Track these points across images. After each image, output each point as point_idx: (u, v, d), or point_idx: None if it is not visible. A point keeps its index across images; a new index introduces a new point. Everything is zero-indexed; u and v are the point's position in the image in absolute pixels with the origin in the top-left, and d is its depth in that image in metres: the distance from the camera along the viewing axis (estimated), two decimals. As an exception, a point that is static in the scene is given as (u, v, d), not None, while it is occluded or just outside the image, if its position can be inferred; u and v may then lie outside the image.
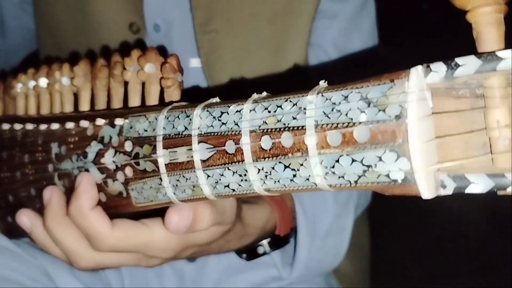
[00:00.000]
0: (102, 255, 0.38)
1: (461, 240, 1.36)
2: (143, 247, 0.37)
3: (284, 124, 0.27)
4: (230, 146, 0.29)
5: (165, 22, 0.61)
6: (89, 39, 0.61)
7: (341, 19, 0.62)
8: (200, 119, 0.31)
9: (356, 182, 0.25)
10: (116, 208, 0.37)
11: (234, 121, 0.29)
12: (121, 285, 0.59)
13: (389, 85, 0.24)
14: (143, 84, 0.39)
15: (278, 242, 0.53)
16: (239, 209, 0.41)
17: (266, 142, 0.28)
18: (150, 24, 0.61)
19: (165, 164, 0.32)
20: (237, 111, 0.29)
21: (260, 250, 0.52)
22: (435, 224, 1.40)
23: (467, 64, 0.22)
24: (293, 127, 0.27)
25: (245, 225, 0.45)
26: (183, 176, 0.32)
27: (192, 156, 0.31)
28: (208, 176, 0.31)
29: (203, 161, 0.30)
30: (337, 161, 0.25)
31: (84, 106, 0.42)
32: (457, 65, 0.23)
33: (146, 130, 0.33)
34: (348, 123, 0.25)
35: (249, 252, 0.53)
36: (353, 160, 0.25)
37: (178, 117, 0.32)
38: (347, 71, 0.62)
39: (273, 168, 0.28)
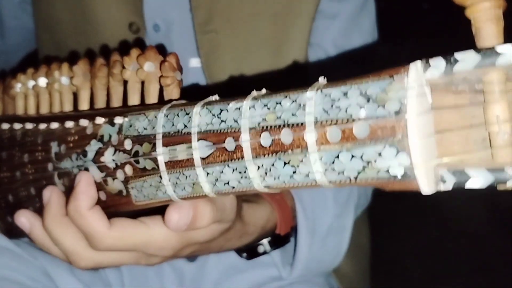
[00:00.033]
0: (101, 254, 0.38)
1: (461, 240, 1.36)
2: (142, 245, 0.37)
3: (284, 120, 0.27)
4: (229, 144, 0.29)
5: (165, 22, 0.61)
6: (89, 39, 0.61)
7: (341, 19, 0.62)
8: (199, 117, 0.31)
9: (356, 178, 0.25)
10: (116, 206, 0.37)
11: (234, 119, 0.29)
12: (121, 285, 0.59)
13: (389, 80, 0.24)
14: (143, 83, 0.39)
15: (278, 241, 0.53)
16: (239, 207, 0.41)
17: (265, 139, 0.28)
18: (149, 24, 0.61)
19: (165, 162, 0.32)
20: (236, 109, 0.29)
21: (261, 249, 0.52)
22: (435, 224, 1.40)
23: (466, 59, 0.22)
24: (293, 124, 0.27)
25: (246, 224, 0.45)
26: (183, 174, 0.32)
27: (191, 154, 0.31)
28: (208, 173, 0.31)
29: (202, 159, 0.30)
30: (337, 157, 0.25)
31: (84, 106, 0.42)
32: (456, 60, 0.23)
33: (145, 128, 0.33)
34: (348, 119, 0.25)
35: (250, 251, 0.53)
36: (353, 156, 0.25)
37: (177, 115, 0.32)
38: (347, 70, 0.63)
39: (272, 165, 0.28)
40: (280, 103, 0.27)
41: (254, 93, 0.29)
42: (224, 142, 0.29)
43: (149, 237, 0.37)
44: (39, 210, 0.40)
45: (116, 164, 0.35)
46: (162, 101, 0.38)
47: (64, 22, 0.62)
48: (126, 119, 0.35)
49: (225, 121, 0.29)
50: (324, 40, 0.62)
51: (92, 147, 0.37)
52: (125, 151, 0.35)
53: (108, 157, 0.36)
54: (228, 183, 0.30)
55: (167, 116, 0.32)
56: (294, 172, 0.27)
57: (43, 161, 0.41)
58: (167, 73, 0.37)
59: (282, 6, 0.60)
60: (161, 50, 0.39)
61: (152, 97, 0.39)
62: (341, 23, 0.63)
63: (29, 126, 0.43)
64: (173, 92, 0.38)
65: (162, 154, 0.32)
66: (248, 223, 0.46)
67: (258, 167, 0.28)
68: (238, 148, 0.29)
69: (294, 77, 0.61)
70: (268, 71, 0.61)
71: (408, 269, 1.30)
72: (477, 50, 0.22)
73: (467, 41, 0.24)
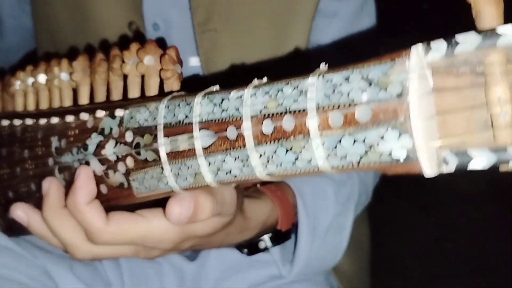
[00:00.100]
0: (99, 247, 0.38)
1: (461, 240, 1.36)
2: (140, 239, 0.37)
3: (285, 107, 0.27)
4: (231, 132, 0.29)
5: (164, 21, 0.61)
6: (88, 38, 0.61)
7: (340, 18, 0.63)
8: (200, 107, 0.31)
9: (358, 162, 0.25)
10: (117, 199, 0.36)
11: (235, 107, 0.29)
12: (121, 284, 0.58)
13: (390, 64, 0.24)
14: (143, 77, 0.39)
15: (279, 237, 0.52)
16: (240, 201, 0.41)
17: (267, 127, 0.28)
18: (149, 23, 0.61)
19: (167, 153, 0.32)
20: (238, 97, 0.29)
21: (262, 245, 0.52)
22: (435, 224, 1.40)
23: (467, 40, 0.22)
24: (295, 110, 0.27)
25: (247, 219, 0.45)
26: (185, 164, 0.32)
27: (193, 144, 0.31)
28: (210, 163, 0.30)
29: (204, 149, 0.30)
30: (339, 142, 0.25)
31: (84, 101, 0.42)
32: (457, 43, 0.23)
33: (146, 120, 0.33)
34: (350, 103, 0.25)
35: (250, 247, 0.53)
36: (355, 141, 0.25)
37: (178, 105, 0.32)
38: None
39: (275, 152, 0.28)
40: (282, 90, 0.28)
41: (256, 81, 0.29)
42: (225, 131, 0.29)
43: (147, 230, 0.37)
44: (40, 205, 0.40)
45: (117, 156, 0.35)
46: (162, 95, 0.38)
47: (63, 21, 0.62)
48: (127, 111, 0.35)
49: (226, 110, 0.30)
50: (324, 39, 0.63)
51: (93, 140, 0.37)
52: (126, 143, 0.35)
53: (109, 150, 0.36)
54: (230, 172, 0.30)
55: (168, 107, 0.32)
56: (296, 159, 0.27)
57: (43, 156, 0.41)
58: (167, 66, 0.37)
59: (282, 5, 0.61)
60: (161, 44, 0.39)
61: (152, 91, 0.39)
62: (340, 22, 0.63)
63: (29, 121, 0.43)
64: (173, 85, 0.38)
65: (163, 145, 0.32)
66: (249, 218, 0.46)
67: (260, 155, 0.28)
68: (240, 136, 0.29)
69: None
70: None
71: (408, 269, 1.30)
72: (478, 31, 0.22)
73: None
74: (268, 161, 0.28)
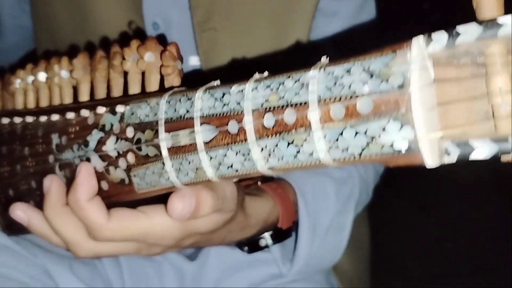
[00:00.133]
0: (101, 245, 0.38)
1: (461, 240, 1.36)
2: (142, 235, 0.37)
3: (287, 100, 0.27)
4: (232, 126, 0.29)
5: (164, 20, 0.61)
6: (88, 37, 0.61)
7: (340, 17, 0.63)
8: (201, 101, 0.31)
9: (360, 154, 0.25)
10: (118, 196, 0.36)
11: (236, 101, 0.29)
12: (121, 284, 0.58)
13: (391, 55, 0.24)
14: (143, 73, 0.39)
15: (280, 235, 0.52)
16: (241, 199, 0.41)
17: (268, 120, 0.28)
18: (149, 22, 0.61)
19: (168, 148, 0.32)
20: (239, 91, 0.29)
21: (262, 242, 0.52)
22: (435, 224, 1.40)
23: (468, 31, 0.23)
24: (296, 103, 0.27)
25: (248, 216, 0.45)
26: (186, 159, 0.32)
27: (194, 139, 0.31)
28: (211, 157, 0.30)
29: (205, 143, 0.30)
30: (341, 134, 0.26)
31: (84, 99, 0.42)
32: (458, 34, 0.23)
33: (147, 115, 0.33)
34: (351, 95, 0.25)
35: (251, 245, 0.53)
36: (357, 133, 0.25)
37: (179, 100, 0.32)
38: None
39: (276, 145, 0.28)
40: (283, 83, 0.28)
41: (257, 75, 0.30)
42: (227, 125, 0.29)
43: (149, 226, 0.37)
44: (40, 203, 0.40)
45: (118, 152, 0.35)
46: (163, 91, 0.38)
47: (63, 21, 0.62)
48: (128, 107, 0.35)
49: (227, 104, 0.30)
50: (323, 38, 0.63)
51: (94, 137, 0.37)
52: (127, 139, 0.35)
53: (110, 146, 0.36)
54: (231, 166, 0.30)
55: (169, 102, 0.32)
56: (298, 152, 0.27)
57: (44, 153, 0.41)
58: (167, 63, 0.37)
59: (281, 4, 0.61)
60: (161, 40, 0.39)
61: (153, 88, 0.39)
62: (340, 21, 0.63)
63: (29, 119, 0.43)
64: (174, 82, 0.38)
65: (164, 140, 0.32)
66: (250, 215, 0.46)
67: (262, 149, 0.28)
68: (241, 130, 0.29)
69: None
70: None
71: (408, 269, 1.30)
72: (479, 22, 0.22)
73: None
74: (269, 155, 0.28)
